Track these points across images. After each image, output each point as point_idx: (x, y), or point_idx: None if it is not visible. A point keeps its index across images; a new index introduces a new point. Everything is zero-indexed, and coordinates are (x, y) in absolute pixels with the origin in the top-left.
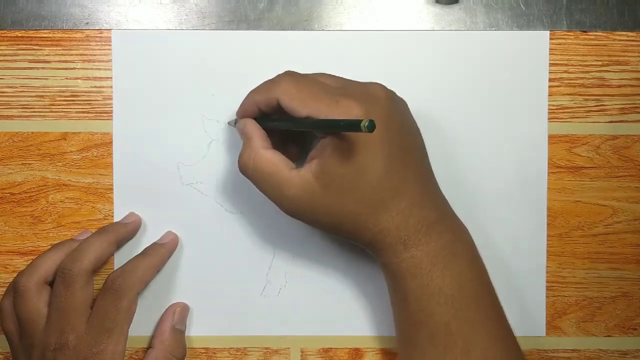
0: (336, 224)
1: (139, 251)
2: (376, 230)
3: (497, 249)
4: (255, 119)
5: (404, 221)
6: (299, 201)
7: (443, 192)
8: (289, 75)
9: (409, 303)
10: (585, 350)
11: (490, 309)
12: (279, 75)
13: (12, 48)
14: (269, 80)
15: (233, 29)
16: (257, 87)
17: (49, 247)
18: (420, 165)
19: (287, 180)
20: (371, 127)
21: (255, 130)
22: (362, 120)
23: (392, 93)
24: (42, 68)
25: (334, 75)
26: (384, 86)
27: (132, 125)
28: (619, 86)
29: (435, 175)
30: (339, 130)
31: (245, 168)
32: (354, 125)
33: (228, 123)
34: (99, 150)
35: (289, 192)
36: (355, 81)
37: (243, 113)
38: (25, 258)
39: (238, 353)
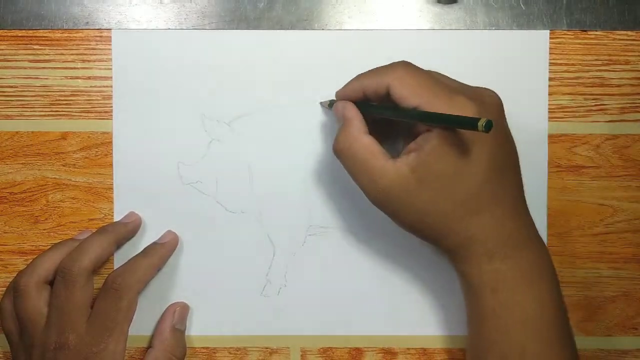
0: (422, 222)
1: (139, 251)
2: (464, 236)
3: None
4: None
5: (494, 231)
6: (389, 192)
7: None
8: (405, 63)
9: (486, 319)
10: (585, 350)
11: (566, 334)
12: (393, 63)
13: (12, 48)
14: (381, 66)
15: (233, 29)
16: (367, 72)
17: (49, 246)
18: (516, 177)
19: (381, 169)
20: (489, 127)
21: (355, 113)
22: (479, 118)
23: (502, 101)
24: (42, 68)
25: (446, 75)
26: (496, 92)
27: (132, 125)
28: (619, 86)
29: None
30: (452, 126)
31: (341, 151)
32: (470, 123)
33: (320, 103)
34: (99, 150)
35: (381, 181)
36: (466, 84)
37: (344, 96)
38: (25, 258)
39: (238, 353)
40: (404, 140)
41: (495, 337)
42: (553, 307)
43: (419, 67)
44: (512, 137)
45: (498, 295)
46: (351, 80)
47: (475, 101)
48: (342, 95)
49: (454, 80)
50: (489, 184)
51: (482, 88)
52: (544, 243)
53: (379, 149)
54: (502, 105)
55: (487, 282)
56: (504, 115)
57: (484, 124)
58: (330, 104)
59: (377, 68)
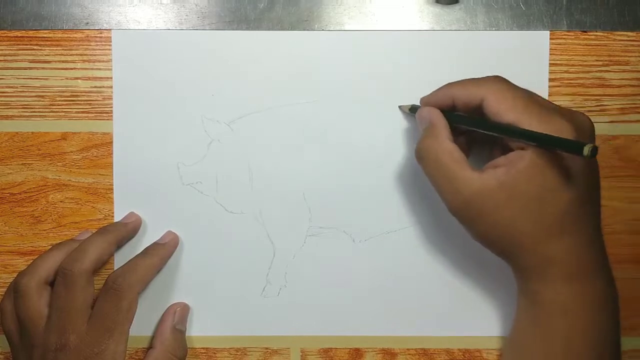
0: (500, 238)
1: (139, 251)
2: (542, 257)
3: None
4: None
5: (575, 256)
6: (471, 203)
7: None
8: (499, 78)
9: (555, 341)
10: None
11: (619, 356)
12: (487, 77)
13: (12, 48)
14: (475, 78)
15: (233, 29)
16: (459, 81)
17: (49, 247)
18: (598, 204)
19: (466, 179)
20: (594, 153)
21: (442, 120)
22: (585, 143)
23: (594, 125)
24: (42, 68)
25: (537, 93)
26: (588, 116)
27: (132, 125)
28: (619, 86)
29: None
30: (552, 147)
31: (424, 156)
32: (574, 147)
33: (400, 107)
34: (99, 150)
35: (465, 191)
36: (559, 105)
37: (431, 102)
38: (25, 258)
39: (238, 353)
40: (488, 153)
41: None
42: (615, 331)
43: (512, 83)
44: (597, 164)
45: (568, 318)
46: (441, 88)
47: (571, 123)
48: (429, 101)
49: (546, 100)
50: (576, 208)
51: (574, 110)
52: (612, 272)
53: (464, 157)
54: (594, 131)
55: (559, 304)
56: (594, 140)
57: (590, 150)
58: (413, 109)
59: (470, 79)
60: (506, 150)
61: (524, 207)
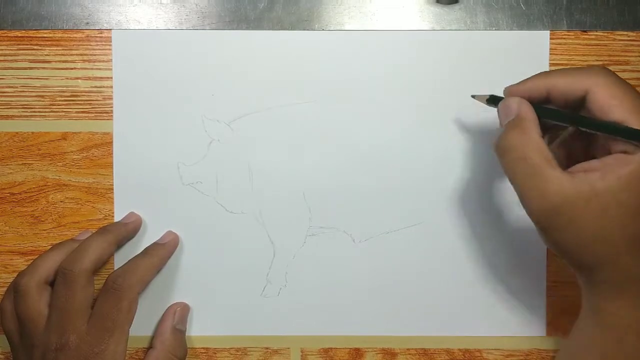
0: (584, 248)
1: (139, 251)
2: (626, 274)
3: (497, 248)
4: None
5: None
6: (559, 210)
7: (443, 193)
8: (606, 69)
9: None
10: None
11: None
12: (592, 67)
13: (12, 48)
14: (577, 67)
15: (233, 29)
16: (556, 70)
17: (49, 247)
18: None
19: (554, 180)
20: None
21: (532, 112)
22: None
23: None
24: (43, 68)
25: None
26: None
27: (132, 125)
28: None
29: (436, 175)
30: None
31: (509, 151)
32: None
33: (474, 96)
34: (99, 150)
35: (554, 196)
36: None
37: (520, 92)
38: (25, 258)
39: (238, 353)
40: (568, 153)
41: None
42: None
43: (620, 77)
44: None
45: None
46: (533, 77)
47: None
48: (518, 91)
49: None
50: None
51: None
52: None
53: (552, 155)
54: None
55: (635, 324)
56: None
57: None
58: (492, 100)
59: (572, 68)
60: (599, 152)
61: (618, 219)
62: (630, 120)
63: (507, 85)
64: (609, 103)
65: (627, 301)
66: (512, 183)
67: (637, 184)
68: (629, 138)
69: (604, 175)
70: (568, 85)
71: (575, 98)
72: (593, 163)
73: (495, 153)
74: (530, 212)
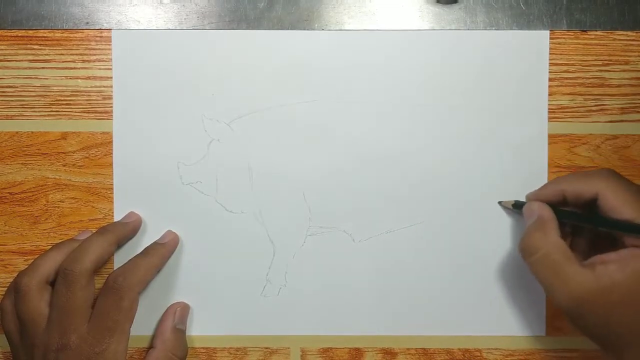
0: (609, 335)
1: (139, 251)
2: None
3: (497, 248)
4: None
5: None
6: (584, 302)
7: (443, 193)
8: (612, 171)
9: None
10: (585, 350)
11: None
12: (599, 170)
13: (12, 48)
14: (585, 172)
15: (233, 29)
16: (568, 175)
17: (50, 247)
18: None
19: (576, 275)
20: None
21: (551, 215)
22: None
23: None
24: (42, 68)
25: None
26: None
27: (132, 125)
28: (619, 86)
29: (436, 175)
30: None
31: (533, 251)
32: None
33: (500, 203)
34: (99, 150)
35: (577, 290)
36: None
37: (540, 197)
38: (25, 258)
39: (238, 353)
40: (589, 247)
41: None
42: None
43: (625, 177)
44: None
45: None
46: (549, 183)
47: None
48: (538, 196)
49: None
50: None
51: None
52: None
53: (572, 253)
54: None
55: None
56: None
57: None
58: (517, 205)
59: (580, 173)
60: (613, 245)
61: (637, 305)
62: (638, 219)
63: (507, 83)
64: (618, 204)
65: None
66: (538, 280)
67: None
68: (638, 234)
69: (621, 267)
70: (579, 190)
71: (587, 199)
72: (611, 255)
73: (520, 254)
74: (558, 305)
